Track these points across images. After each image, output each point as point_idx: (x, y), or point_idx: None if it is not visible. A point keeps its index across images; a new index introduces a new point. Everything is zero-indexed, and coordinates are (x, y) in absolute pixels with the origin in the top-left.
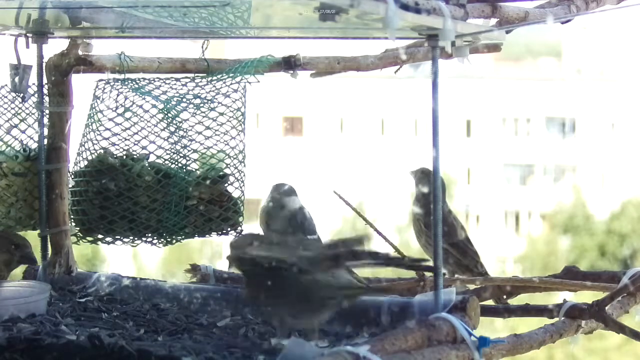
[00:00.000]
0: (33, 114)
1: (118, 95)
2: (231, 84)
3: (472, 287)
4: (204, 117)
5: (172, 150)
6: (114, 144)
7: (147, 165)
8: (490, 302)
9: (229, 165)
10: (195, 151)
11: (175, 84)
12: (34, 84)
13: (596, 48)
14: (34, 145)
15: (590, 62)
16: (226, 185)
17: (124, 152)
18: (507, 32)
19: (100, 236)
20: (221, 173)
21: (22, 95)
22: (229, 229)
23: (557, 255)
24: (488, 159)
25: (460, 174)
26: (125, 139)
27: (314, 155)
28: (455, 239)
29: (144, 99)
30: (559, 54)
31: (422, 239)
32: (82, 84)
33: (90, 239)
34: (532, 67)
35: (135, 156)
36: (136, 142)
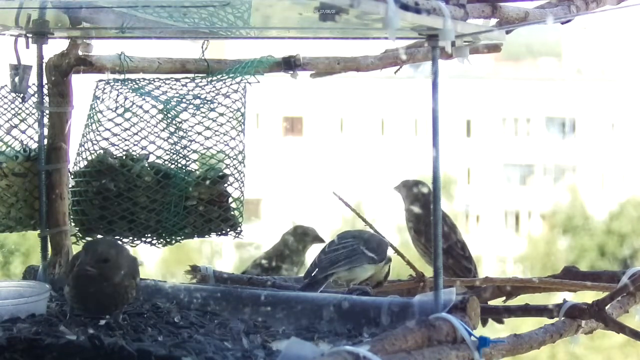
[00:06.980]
0: (33, 114)
1: (118, 95)
2: (231, 84)
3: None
4: (203, 117)
5: (172, 151)
6: (113, 144)
7: (146, 165)
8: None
9: (228, 166)
10: (195, 151)
11: (175, 84)
12: (34, 84)
13: (596, 48)
14: (34, 146)
15: (591, 62)
16: (226, 185)
17: (124, 153)
18: (507, 32)
19: (99, 236)
20: (221, 173)
21: (22, 95)
22: (228, 230)
23: (557, 256)
24: (488, 159)
25: (460, 174)
26: (125, 139)
27: (314, 155)
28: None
29: (143, 99)
30: (559, 54)
31: (419, 244)
32: (82, 84)
33: (90, 239)
34: (532, 67)
35: (135, 156)
36: (136, 143)
